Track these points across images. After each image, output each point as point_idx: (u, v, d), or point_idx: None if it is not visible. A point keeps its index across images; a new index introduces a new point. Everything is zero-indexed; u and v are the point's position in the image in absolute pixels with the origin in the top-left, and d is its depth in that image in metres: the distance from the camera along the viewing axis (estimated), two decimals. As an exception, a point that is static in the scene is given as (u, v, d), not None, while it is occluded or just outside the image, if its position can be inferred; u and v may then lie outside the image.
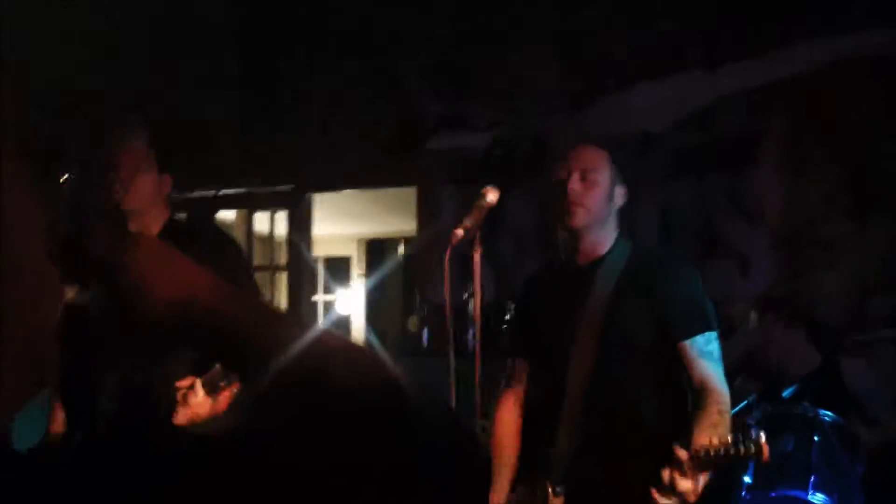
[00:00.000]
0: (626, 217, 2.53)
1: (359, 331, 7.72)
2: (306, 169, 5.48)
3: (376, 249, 7.91)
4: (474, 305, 2.25)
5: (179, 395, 2.30)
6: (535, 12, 4.96)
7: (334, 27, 5.44)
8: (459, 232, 2.23)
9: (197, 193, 5.66)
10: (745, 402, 3.29)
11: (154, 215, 2.57)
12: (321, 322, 7.40)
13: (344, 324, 7.82)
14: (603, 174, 2.40)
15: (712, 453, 2.05)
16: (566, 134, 4.64)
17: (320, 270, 7.57)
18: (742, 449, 2.03)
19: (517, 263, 4.80)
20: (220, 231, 3.27)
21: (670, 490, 2.07)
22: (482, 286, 2.33)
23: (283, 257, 6.15)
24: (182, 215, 5.30)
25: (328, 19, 5.47)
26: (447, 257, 2.19)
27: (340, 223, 7.08)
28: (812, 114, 4.22)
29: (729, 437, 2.07)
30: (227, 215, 6.38)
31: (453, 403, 2.18)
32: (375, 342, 6.95)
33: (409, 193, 5.43)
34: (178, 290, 0.84)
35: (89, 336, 2.34)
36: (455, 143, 5.10)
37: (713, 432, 2.11)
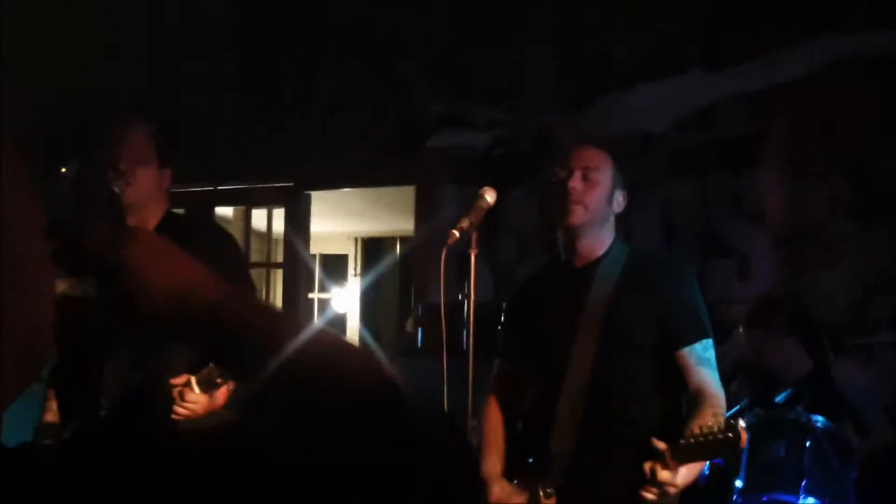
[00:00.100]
0: (627, 217, 2.53)
1: (354, 329, 7.72)
2: (305, 167, 5.47)
3: (373, 248, 7.91)
4: (469, 305, 2.25)
5: (175, 392, 2.30)
6: (535, 12, 4.96)
7: (334, 26, 5.44)
8: (456, 232, 2.23)
9: (195, 188, 5.66)
10: (737, 407, 3.30)
11: (153, 209, 2.57)
12: (317, 320, 7.40)
13: (340, 322, 7.81)
14: (604, 175, 2.40)
15: (692, 440, 2.06)
16: (566, 134, 4.64)
17: (317, 268, 7.56)
18: (720, 435, 2.04)
19: (516, 264, 4.80)
20: (218, 227, 3.27)
21: (651, 482, 2.09)
22: (479, 286, 2.33)
23: (280, 254, 6.15)
24: (180, 210, 5.32)
25: (328, 18, 5.47)
26: (443, 257, 2.19)
27: (338, 221, 7.07)
28: (812, 114, 4.23)
29: (708, 426, 2.07)
30: (225, 211, 6.38)
31: (446, 403, 2.18)
32: (371, 341, 6.95)
33: (407, 192, 5.43)
34: (174, 286, 0.84)
35: (84, 330, 2.34)
36: (454, 142, 5.10)
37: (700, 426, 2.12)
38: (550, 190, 2.43)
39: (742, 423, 2.04)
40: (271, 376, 0.79)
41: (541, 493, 2.31)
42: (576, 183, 2.37)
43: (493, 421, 2.57)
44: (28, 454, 0.74)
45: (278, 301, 6.30)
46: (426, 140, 5.13)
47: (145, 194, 2.52)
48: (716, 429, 2.05)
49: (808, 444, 3.06)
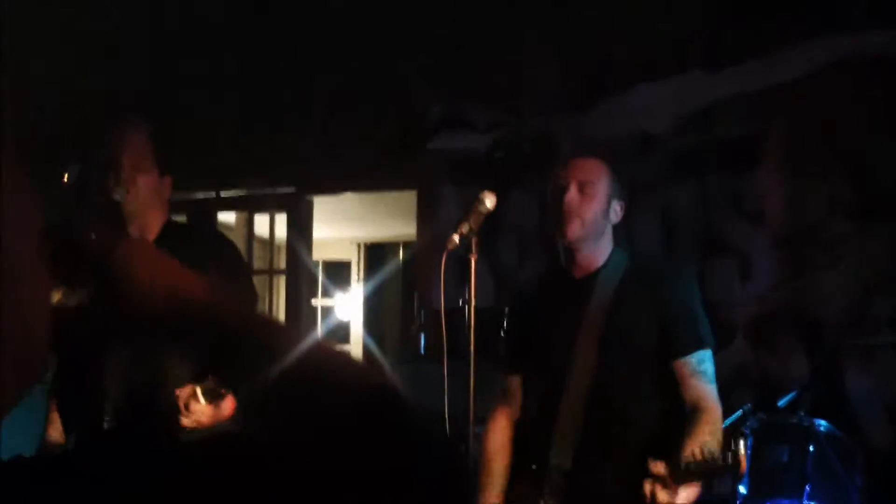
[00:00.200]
0: (627, 218, 2.52)
1: (358, 335, 7.71)
2: (307, 171, 5.48)
3: (376, 254, 7.90)
4: (469, 310, 2.25)
5: (181, 403, 2.30)
6: (535, 13, 4.97)
7: (335, 29, 5.45)
8: (455, 237, 2.22)
9: (197, 195, 5.67)
10: (739, 412, 3.29)
11: (153, 217, 2.57)
12: (320, 326, 7.41)
13: (343, 329, 7.80)
14: (600, 187, 2.39)
15: (692, 466, 2.06)
16: (567, 135, 4.64)
17: (320, 274, 7.56)
18: (719, 460, 2.03)
19: (517, 267, 4.80)
20: (219, 233, 3.27)
21: (651, 502, 2.08)
22: (480, 291, 2.33)
23: (282, 260, 6.14)
24: (182, 217, 5.33)
25: (328, 21, 5.48)
26: (443, 262, 2.18)
27: (340, 226, 7.07)
28: (812, 114, 4.22)
29: (708, 450, 2.06)
30: (227, 217, 6.38)
31: (447, 409, 2.17)
32: (374, 347, 6.95)
33: (409, 198, 5.42)
34: (168, 296, 0.84)
35: (83, 338, 2.34)
36: (455, 144, 5.10)
37: (700, 447, 2.11)
38: (548, 200, 2.43)
39: (742, 449, 2.03)
40: (269, 386, 0.78)
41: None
42: (572, 196, 2.36)
43: (497, 438, 2.52)
44: (34, 465, 0.74)
45: (281, 307, 6.30)
46: (427, 142, 5.13)
47: (146, 202, 2.52)
48: (717, 454, 2.04)
49: (811, 448, 3.05)
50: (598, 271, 2.41)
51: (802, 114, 4.26)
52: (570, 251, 2.42)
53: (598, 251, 2.42)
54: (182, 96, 5.47)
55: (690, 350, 2.30)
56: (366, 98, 5.27)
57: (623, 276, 2.39)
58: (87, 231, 0.89)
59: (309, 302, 6.19)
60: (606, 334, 2.33)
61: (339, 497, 0.72)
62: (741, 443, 2.05)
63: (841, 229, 4.14)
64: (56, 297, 0.86)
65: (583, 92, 4.77)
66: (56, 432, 2.59)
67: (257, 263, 6.27)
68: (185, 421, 2.31)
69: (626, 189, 2.52)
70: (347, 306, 7.83)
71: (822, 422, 3.14)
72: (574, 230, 2.36)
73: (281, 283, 6.26)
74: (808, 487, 2.98)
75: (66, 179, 2.80)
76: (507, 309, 2.69)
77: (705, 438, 2.13)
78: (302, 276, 5.84)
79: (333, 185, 5.58)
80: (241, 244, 5.73)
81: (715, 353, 2.40)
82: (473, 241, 2.26)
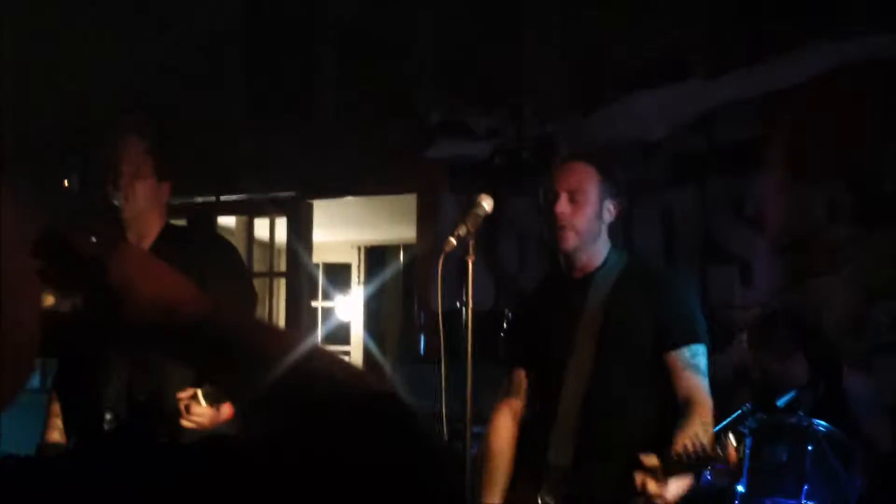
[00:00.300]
0: (628, 223, 2.54)
1: (358, 337, 7.72)
2: (307, 175, 5.49)
3: (376, 257, 7.91)
4: (467, 313, 2.26)
5: (182, 406, 2.30)
6: (536, 18, 4.98)
7: (336, 32, 5.46)
8: (453, 240, 2.23)
9: (197, 199, 5.68)
10: (739, 412, 3.30)
11: (151, 221, 2.58)
12: (320, 328, 7.41)
13: (343, 330, 7.81)
14: (590, 193, 2.39)
15: (682, 458, 2.07)
16: (568, 140, 4.65)
17: (320, 277, 7.57)
18: (709, 453, 2.04)
19: (518, 272, 4.81)
20: (218, 236, 3.28)
21: (641, 493, 2.10)
22: (480, 294, 2.34)
23: (282, 263, 6.16)
24: (182, 221, 5.34)
25: (330, 25, 5.49)
26: (440, 265, 2.19)
27: (340, 230, 7.08)
28: (813, 119, 4.23)
29: (699, 442, 2.08)
30: (227, 221, 6.39)
31: (444, 410, 2.18)
32: (374, 349, 6.95)
33: (409, 201, 5.43)
34: (161, 303, 0.85)
35: (79, 344, 2.34)
36: (456, 150, 5.12)
37: (690, 441, 2.12)
38: (540, 207, 2.44)
39: (733, 441, 2.04)
40: (266, 391, 0.79)
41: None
42: (563, 208, 2.36)
43: (501, 434, 2.52)
44: (32, 465, 0.74)
45: (282, 310, 6.31)
46: (427, 148, 5.15)
47: (144, 208, 2.53)
48: (707, 445, 2.05)
49: (809, 448, 3.06)
50: (595, 271, 2.42)
51: (803, 119, 4.27)
52: (567, 259, 2.44)
53: (595, 252, 2.44)
54: (182, 100, 5.48)
55: (684, 343, 2.30)
56: (366, 101, 5.28)
57: (620, 274, 2.40)
58: (86, 235, 0.90)
59: (309, 304, 6.20)
60: (604, 332, 2.34)
61: (335, 497, 0.73)
62: (731, 436, 2.06)
63: (842, 234, 4.15)
64: (48, 301, 0.87)
65: (584, 97, 4.79)
66: (58, 434, 2.60)
67: (257, 266, 6.27)
68: (186, 423, 2.32)
69: (621, 187, 2.53)
70: (348, 308, 7.84)
71: (822, 422, 3.15)
72: (569, 242, 2.37)
73: (281, 286, 6.27)
74: (806, 487, 2.99)
75: (66, 184, 2.82)
76: (506, 310, 2.71)
77: (696, 431, 2.13)
78: (302, 278, 5.85)
79: (333, 189, 5.59)
80: (241, 248, 5.75)
81: (713, 354, 2.41)
82: (471, 243, 2.26)
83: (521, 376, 2.55)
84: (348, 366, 0.85)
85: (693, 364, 2.29)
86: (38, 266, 0.82)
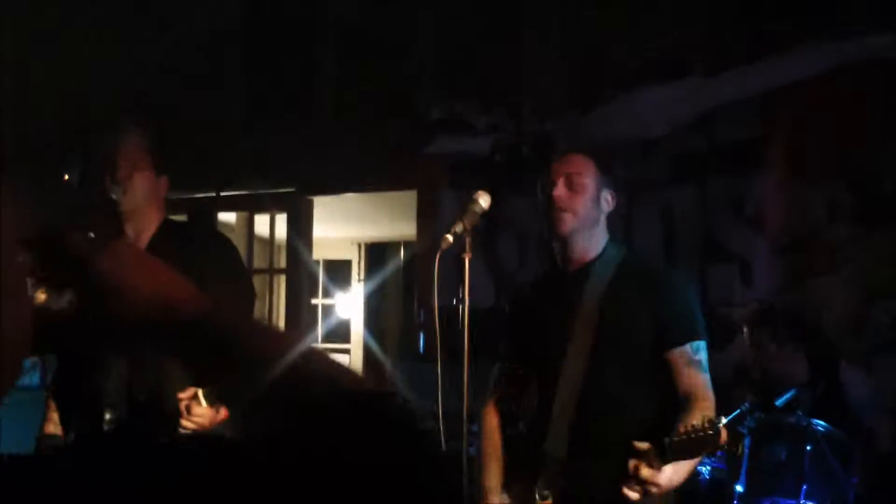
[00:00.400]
0: (628, 221, 2.53)
1: (358, 334, 7.73)
2: (307, 172, 5.49)
3: (377, 253, 7.91)
4: (463, 310, 2.25)
5: (182, 406, 2.30)
6: (538, 19, 4.98)
7: (336, 30, 5.46)
8: (450, 237, 2.22)
9: (198, 195, 5.68)
10: (738, 411, 3.29)
11: (150, 216, 2.57)
12: (320, 325, 7.41)
13: (344, 327, 7.81)
14: (588, 178, 2.39)
15: (675, 440, 2.06)
16: (568, 138, 4.65)
17: (320, 273, 7.57)
18: (700, 433, 2.03)
19: (518, 269, 4.81)
20: (217, 233, 3.27)
21: (634, 479, 2.09)
22: (481, 292, 2.33)
23: (283, 260, 6.16)
24: (182, 217, 5.34)
25: (330, 23, 5.49)
26: (436, 262, 2.18)
27: (341, 226, 7.08)
28: (813, 118, 4.22)
29: (691, 425, 2.06)
30: (227, 217, 6.40)
31: (440, 407, 2.18)
32: (374, 346, 6.95)
33: (409, 197, 5.43)
34: (153, 300, 0.84)
35: (80, 341, 2.35)
36: (456, 147, 5.11)
37: (684, 425, 2.11)
38: (539, 199, 2.43)
39: (723, 420, 2.03)
40: (261, 390, 0.79)
41: (537, 497, 2.31)
42: (560, 191, 2.36)
43: (491, 429, 2.56)
44: (36, 462, 0.74)
45: (282, 306, 6.31)
46: (427, 144, 5.14)
47: (142, 202, 2.52)
48: (697, 426, 2.04)
49: (808, 448, 3.07)
50: (591, 262, 2.41)
51: (803, 118, 4.26)
52: (564, 246, 2.42)
53: (592, 243, 2.42)
54: (182, 100, 5.49)
55: (686, 340, 2.29)
56: (366, 99, 5.28)
57: (616, 270, 2.39)
58: (85, 231, 0.89)
59: (309, 301, 6.20)
60: (600, 325, 2.33)
61: (334, 497, 0.73)
62: (722, 419, 2.05)
63: (842, 234, 4.14)
64: (41, 299, 0.86)
65: (583, 97, 4.78)
66: (53, 426, 2.60)
67: (257, 262, 6.28)
68: (187, 423, 2.32)
69: (619, 183, 2.52)
70: (348, 305, 7.84)
71: (820, 422, 3.15)
72: (566, 224, 2.36)
73: (281, 283, 6.27)
74: (805, 487, 2.99)
75: (66, 178, 2.82)
76: (506, 307, 2.71)
77: (694, 422, 2.12)
78: (302, 275, 5.86)
79: (334, 186, 5.59)
80: (241, 244, 5.77)
81: (712, 353, 2.40)
82: (467, 240, 2.26)
83: (511, 373, 2.56)
84: (345, 367, 0.85)
85: (695, 360, 2.28)
86: (31, 264, 0.82)
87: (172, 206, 2.72)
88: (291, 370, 0.80)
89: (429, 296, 5.00)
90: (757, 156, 4.37)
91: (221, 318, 0.86)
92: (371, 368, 7.12)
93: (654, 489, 2.11)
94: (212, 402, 2.30)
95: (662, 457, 2.08)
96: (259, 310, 5.89)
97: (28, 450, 2.51)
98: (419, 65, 5.25)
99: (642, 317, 2.32)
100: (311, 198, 5.76)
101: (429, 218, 5.15)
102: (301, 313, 5.84)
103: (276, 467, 0.72)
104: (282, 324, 6.10)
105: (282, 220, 5.89)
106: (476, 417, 2.52)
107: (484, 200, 2.28)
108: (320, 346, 7.65)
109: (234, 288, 2.52)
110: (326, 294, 7.76)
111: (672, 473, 2.12)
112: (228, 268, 2.58)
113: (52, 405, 2.62)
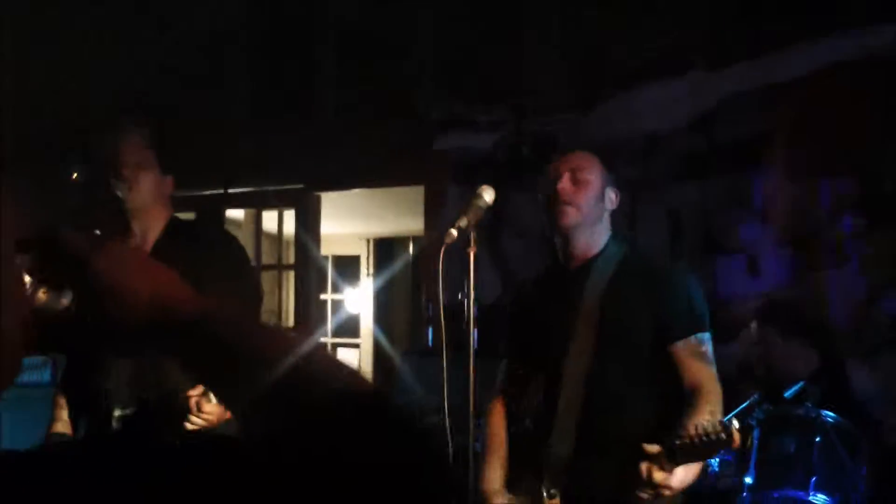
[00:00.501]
0: (633, 218, 2.53)
1: (368, 329, 7.74)
2: (307, 175, 5.49)
3: (385, 249, 7.92)
4: (469, 305, 2.25)
5: (192, 403, 2.31)
6: (538, 19, 4.97)
7: (341, 28, 5.46)
8: (454, 231, 2.22)
9: (205, 192, 5.69)
10: (746, 403, 3.29)
11: (156, 214, 2.58)
12: (330, 320, 7.43)
13: (353, 322, 7.83)
14: (593, 174, 2.39)
15: (686, 441, 2.05)
16: (570, 135, 4.64)
17: (329, 269, 7.58)
18: (714, 437, 2.02)
19: (523, 265, 4.80)
20: (224, 231, 3.28)
21: (647, 483, 2.08)
22: (486, 287, 2.33)
23: (291, 256, 6.17)
24: (190, 214, 5.35)
25: (336, 19, 5.49)
26: (441, 257, 2.18)
27: (349, 222, 7.09)
28: (816, 114, 4.20)
29: (702, 427, 2.05)
30: (235, 214, 6.41)
31: (445, 402, 2.18)
32: (384, 341, 6.97)
33: (417, 193, 5.43)
34: (152, 302, 0.84)
35: (86, 341, 2.35)
36: (462, 143, 5.11)
37: (694, 426, 2.10)
38: (542, 196, 2.43)
39: (736, 423, 2.02)
40: (264, 393, 0.79)
41: (544, 495, 2.31)
42: (565, 184, 2.36)
43: (496, 427, 2.55)
44: (43, 458, 0.74)
45: (291, 302, 6.32)
46: (433, 141, 5.14)
47: (148, 199, 2.53)
48: (710, 429, 2.03)
49: (817, 439, 3.05)
50: (593, 259, 2.41)
51: (806, 114, 4.25)
52: (567, 241, 2.41)
53: (594, 239, 2.42)
54: (183, 100, 5.50)
55: (691, 332, 2.28)
56: (366, 101, 5.28)
57: (619, 263, 2.38)
58: (90, 229, 0.89)
59: (318, 296, 6.21)
60: (603, 321, 2.33)
61: (335, 497, 0.73)
62: (734, 421, 2.04)
63: (847, 229, 4.13)
64: (41, 299, 0.86)
65: (586, 93, 4.77)
66: (61, 425, 2.61)
67: (266, 259, 6.29)
68: (196, 420, 2.32)
69: (621, 183, 2.52)
70: (357, 300, 7.86)
71: (829, 413, 3.13)
72: (570, 217, 2.35)
73: (291, 279, 6.28)
74: (814, 478, 2.98)
75: (74, 177, 2.82)
76: (509, 303, 2.70)
77: (704, 419, 2.12)
78: (311, 271, 5.86)
79: (341, 182, 5.59)
80: (249, 240, 5.78)
81: (717, 346, 2.39)
82: (472, 235, 2.25)
83: (516, 370, 2.55)
84: (347, 367, 0.85)
85: (700, 352, 2.27)
86: (31, 264, 0.82)
87: (181, 203, 2.73)
88: (293, 370, 0.79)
89: (436, 291, 5.00)
90: (759, 152, 4.36)
91: (225, 317, 0.86)
92: (381, 362, 7.13)
93: (666, 492, 2.10)
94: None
95: (673, 460, 2.07)
96: (269, 306, 5.90)
97: (37, 443, 2.52)
98: (419, 65, 5.24)
99: (643, 314, 2.32)
100: (319, 194, 5.76)
101: (436, 213, 5.15)
102: (310, 309, 5.85)
103: (277, 467, 0.72)
104: (291, 320, 6.12)
105: (290, 216, 5.89)
106: (482, 412, 2.52)
107: (488, 195, 2.28)
108: (330, 341, 7.68)
109: (238, 287, 2.52)
110: (336, 289, 7.78)
111: (683, 475, 2.11)
112: (233, 267, 2.59)
113: (61, 404, 2.63)
